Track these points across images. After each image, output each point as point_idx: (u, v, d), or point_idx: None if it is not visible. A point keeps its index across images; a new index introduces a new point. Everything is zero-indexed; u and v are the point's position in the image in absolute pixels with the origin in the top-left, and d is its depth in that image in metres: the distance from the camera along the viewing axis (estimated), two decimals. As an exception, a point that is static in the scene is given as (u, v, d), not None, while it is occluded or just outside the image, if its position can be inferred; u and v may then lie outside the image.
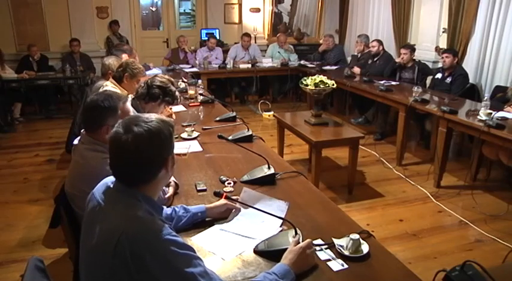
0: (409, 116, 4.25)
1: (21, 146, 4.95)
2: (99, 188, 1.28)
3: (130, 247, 1.06)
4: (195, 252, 1.16)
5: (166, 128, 1.21)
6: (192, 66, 6.50)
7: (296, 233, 1.48)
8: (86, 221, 1.25)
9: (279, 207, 1.71)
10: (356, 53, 6.36)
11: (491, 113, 3.25)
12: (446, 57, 4.52)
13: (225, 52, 7.08)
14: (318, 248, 1.48)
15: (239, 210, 1.73)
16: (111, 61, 3.38)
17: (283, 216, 1.64)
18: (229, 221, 1.70)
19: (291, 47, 7.18)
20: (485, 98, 3.51)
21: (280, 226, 1.62)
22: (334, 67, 6.42)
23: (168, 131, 1.22)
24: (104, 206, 1.20)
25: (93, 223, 1.18)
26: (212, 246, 1.52)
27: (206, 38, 7.17)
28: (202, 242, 1.55)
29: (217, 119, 3.28)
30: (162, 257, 1.07)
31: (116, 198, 1.20)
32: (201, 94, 4.06)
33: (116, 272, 1.08)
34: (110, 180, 1.28)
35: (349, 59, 6.82)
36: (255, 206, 1.63)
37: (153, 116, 1.23)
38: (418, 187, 3.77)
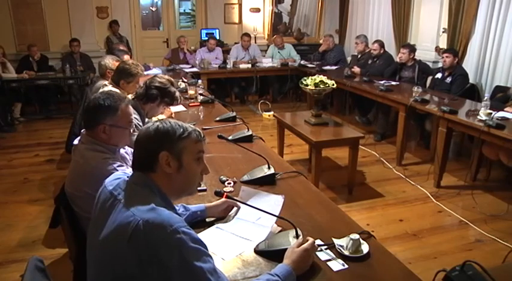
0: (409, 116, 4.25)
1: (21, 146, 4.95)
2: (111, 181, 1.32)
3: (145, 238, 1.09)
4: (207, 249, 1.17)
5: (176, 128, 1.27)
6: (192, 66, 6.50)
7: (297, 233, 1.48)
8: (97, 213, 1.28)
9: (276, 202, 1.72)
10: (356, 54, 6.37)
11: (491, 113, 3.25)
12: (447, 57, 4.51)
13: (225, 52, 7.08)
14: (318, 248, 1.48)
15: (239, 208, 1.73)
16: (107, 61, 3.40)
17: (279, 209, 1.65)
18: (229, 220, 1.71)
19: (290, 46, 7.18)
20: (485, 98, 3.50)
21: (276, 222, 1.62)
22: (334, 67, 6.42)
23: (174, 130, 1.27)
24: (118, 198, 1.23)
25: (106, 215, 1.21)
26: (212, 246, 1.51)
27: (206, 38, 7.17)
28: (202, 242, 1.55)
29: (217, 119, 3.27)
30: (174, 248, 1.09)
31: (132, 190, 1.24)
32: (201, 94, 4.06)
33: (128, 263, 1.10)
34: (124, 174, 1.33)
35: (349, 59, 6.83)
36: (253, 202, 1.66)
37: (175, 121, 1.34)
38: (418, 187, 3.77)
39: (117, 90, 2.68)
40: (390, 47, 6.03)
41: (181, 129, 1.27)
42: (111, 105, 1.74)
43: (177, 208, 1.65)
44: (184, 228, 1.13)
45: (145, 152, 1.26)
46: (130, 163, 1.85)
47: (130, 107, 1.84)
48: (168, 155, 1.24)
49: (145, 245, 1.09)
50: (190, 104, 3.81)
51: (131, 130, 1.82)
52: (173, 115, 3.25)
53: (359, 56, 6.12)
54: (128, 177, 1.30)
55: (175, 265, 1.09)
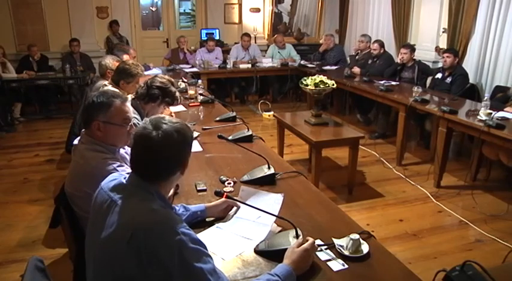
0: (409, 116, 4.25)
1: (21, 146, 4.95)
2: (108, 183, 1.31)
3: (145, 239, 1.09)
4: (206, 249, 1.18)
5: (190, 132, 1.30)
6: (192, 66, 6.51)
7: (297, 233, 1.48)
8: (95, 215, 1.28)
9: (276, 200, 1.72)
10: (354, 53, 6.36)
11: (491, 113, 3.25)
12: (448, 57, 4.51)
13: (225, 52, 7.08)
14: (318, 248, 1.48)
15: (238, 208, 1.73)
16: (108, 60, 3.41)
17: (279, 207, 1.65)
18: (229, 220, 1.71)
19: (290, 46, 7.18)
20: (485, 98, 3.50)
21: (276, 220, 1.62)
22: (334, 67, 6.42)
23: (190, 134, 1.30)
24: (116, 200, 1.23)
25: (103, 217, 1.21)
26: (212, 246, 1.52)
27: (206, 38, 7.17)
28: (202, 242, 1.55)
29: (217, 119, 3.27)
30: (174, 249, 1.10)
31: (130, 192, 1.23)
32: (201, 94, 4.06)
33: (128, 264, 1.11)
34: (120, 176, 1.32)
35: (349, 59, 6.83)
36: (252, 201, 1.66)
37: (176, 119, 1.32)
38: (418, 187, 3.77)
39: (117, 90, 2.68)
40: (390, 47, 6.03)
41: (191, 133, 1.31)
42: (104, 102, 1.73)
43: (177, 208, 1.66)
44: (183, 229, 1.13)
45: (173, 164, 1.25)
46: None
47: (128, 105, 1.82)
48: (187, 161, 1.29)
49: (144, 246, 1.09)
50: (190, 104, 3.81)
51: (128, 129, 1.80)
52: (173, 115, 3.25)
53: (357, 56, 6.13)
54: (125, 178, 1.29)
55: (175, 266, 1.09)
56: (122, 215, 1.17)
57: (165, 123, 1.24)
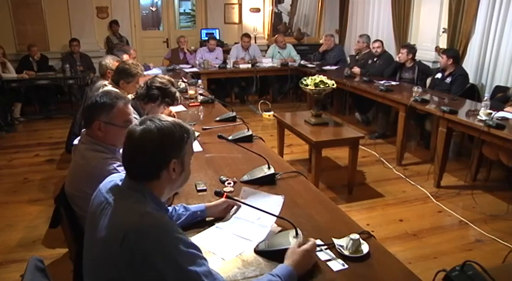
0: (409, 116, 4.25)
1: (21, 146, 4.95)
2: (105, 185, 1.31)
3: (137, 242, 1.08)
4: (200, 252, 1.17)
5: (180, 131, 1.23)
6: (192, 66, 6.51)
7: (297, 233, 1.47)
8: (92, 216, 1.27)
9: (276, 202, 1.71)
10: (354, 53, 6.35)
11: (491, 113, 3.25)
12: (441, 58, 4.55)
13: (225, 52, 7.08)
14: (318, 248, 1.48)
15: (239, 207, 1.73)
16: (108, 60, 3.41)
17: (279, 209, 1.65)
18: (229, 220, 1.71)
19: (290, 46, 7.18)
20: (485, 98, 3.50)
21: (276, 221, 1.62)
22: (334, 67, 6.42)
23: (180, 135, 1.23)
24: (110, 202, 1.22)
25: (100, 218, 1.20)
26: (212, 246, 1.52)
27: (206, 38, 7.17)
28: (202, 242, 1.54)
29: (217, 119, 3.27)
30: (167, 253, 1.09)
31: (123, 194, 1.22)
32: (201, 94, 4.06)
33: (122, 266, 1.10)
34: (117, 177, 1.31)
35: (349, 59, 6.83)
36: (253, 202, 1.66)
37: (171, 118, 1.26)
38: (418, 187, 3.77)
39: (117, 90, 2.68)
40: (390, 47, 6.04)
41: (185, 134, 1.25)
42: (107, 103, 1.73)
43: (177, 208, 1.66)
44: (176, 233, 1.13)
45: (153, 161, 1.20)
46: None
47: (130, 107, 1.83)
48: (176, 162, 1.23)
49: (137, 249, 1.08)
50: (190, 104, 3.81)
51: None
52: (175, 115, 3.25)
53: (357, 56, 6.13)
54: (120, 180, 1.28)
55: (168, 270, 1.09)
56: (114, 217, 1.16)
57: (151, 120, 1.21)
